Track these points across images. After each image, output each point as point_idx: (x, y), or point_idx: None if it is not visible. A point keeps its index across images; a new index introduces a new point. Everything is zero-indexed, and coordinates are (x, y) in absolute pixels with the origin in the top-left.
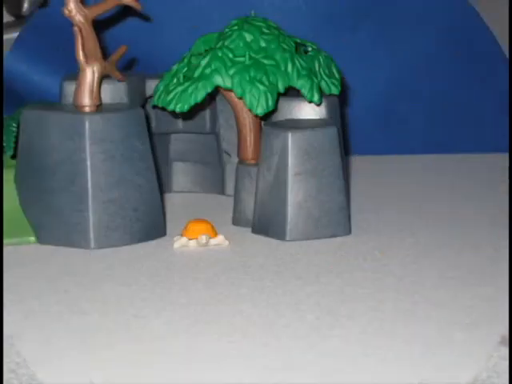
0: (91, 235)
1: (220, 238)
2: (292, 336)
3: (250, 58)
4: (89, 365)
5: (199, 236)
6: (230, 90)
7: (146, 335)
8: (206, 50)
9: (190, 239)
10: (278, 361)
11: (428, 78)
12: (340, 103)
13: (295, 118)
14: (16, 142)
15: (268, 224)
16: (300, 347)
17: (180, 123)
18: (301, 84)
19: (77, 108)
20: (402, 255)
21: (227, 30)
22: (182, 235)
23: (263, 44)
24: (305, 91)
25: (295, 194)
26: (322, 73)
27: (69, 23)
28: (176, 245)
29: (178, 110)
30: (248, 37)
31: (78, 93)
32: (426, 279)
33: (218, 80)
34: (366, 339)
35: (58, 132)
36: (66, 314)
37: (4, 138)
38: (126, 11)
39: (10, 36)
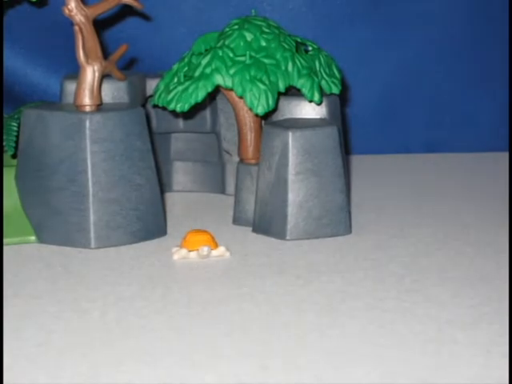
0: (92, 235)
1: (221, 250)
2: (292, 336)
3: (251, 57)
4: (89, 365)
5: (200, 248)
6: (231, 89)
7: (146, 335)
8: (206, 50)
9: (189, 251)
10: (277, 361)
11: (428, 78)
12: (340, 103)
13: (296, 117)
14: (17, 142)
15: (268, 223)
16: (300, 347)
17: (180, 122)
18: (301, 83)
19: (77, 107)
20: (403, 255)
21: (227, 29)
22: (181, 246)
23: (264, 43)
24: (305, 90)
25: (296, 194)
26: (323, 72)
27: (69, 22)
28: (175, 256)
29: (178, 109)
30: (248, 36)
31: (78, 92)
32: (427, 279)
33: (219, 79)
34: (366, 338)
35: (58, 131)
36: (66, 314)
37: (5, 137)
38: (126, 11)
39: None
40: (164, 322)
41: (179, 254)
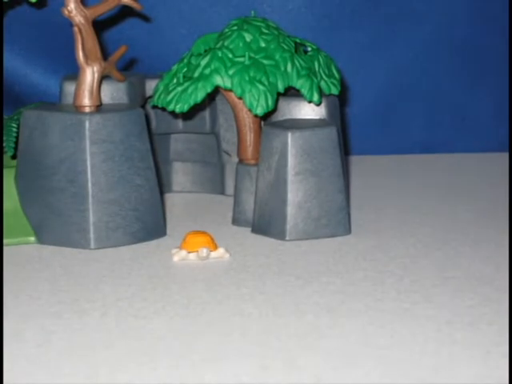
0: (91, 235)
1: (221, 252)
2: (292, 336)
3: (250, 58)
4: (89, 365)
5: (199, 249)
6: (230, 90)
7: (145, 335)
8: (205, 50)
9: (189, 252)
10: (277, 361)
11: (427, 78)
12: (339, 103)
13: (295, 117)
14: (16, 143)
15: (268, 224)
16: (300, 347)
17: (180, 123)
18: (300, 84)
19: (77, 108)
20: (402, 255)
21: (227, 30)
22: (180, 248)
23: (263, 44)
24: (304, 91)
25: (295, 194)
26: (322, 73)
27: (69, 23)
28: (175, 258)
29: (177, 110)
30: (247, 37)
31: (77, 93)
32: (426, 279)
33: (218, 80)
34: (365, 339)
35: (58, 132)
36: (66, 314)
37: (4, 138)
38: (125, 11)
39: None
40: (164, 322)
41: (179, 256)
